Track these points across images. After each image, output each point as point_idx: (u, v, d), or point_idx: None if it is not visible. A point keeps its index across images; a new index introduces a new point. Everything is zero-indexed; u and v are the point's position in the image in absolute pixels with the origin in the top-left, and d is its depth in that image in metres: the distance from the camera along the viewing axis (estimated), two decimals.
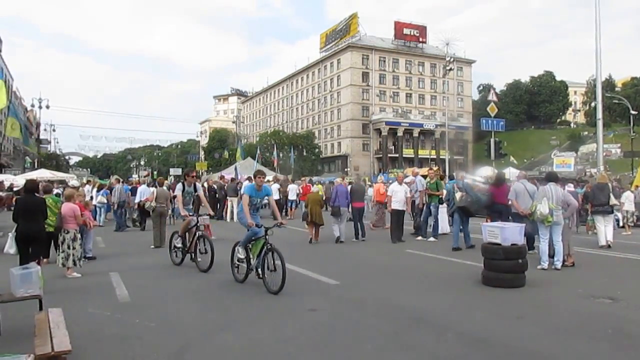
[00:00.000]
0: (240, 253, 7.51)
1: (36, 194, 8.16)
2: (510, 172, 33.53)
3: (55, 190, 13.84)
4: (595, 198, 11.69)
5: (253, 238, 7.38)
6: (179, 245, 9.25)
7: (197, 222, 8.94)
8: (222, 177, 24.03)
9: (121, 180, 20.05)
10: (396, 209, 12.50)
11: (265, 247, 6.99)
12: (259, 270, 7.09)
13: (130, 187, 19.00)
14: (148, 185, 20.04)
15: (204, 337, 5.03)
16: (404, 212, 12.76)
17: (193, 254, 8.90)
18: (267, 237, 7.11)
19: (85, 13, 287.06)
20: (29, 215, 7.41)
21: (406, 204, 12.74)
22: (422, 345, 4.74)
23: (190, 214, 9.19)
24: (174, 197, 9.23)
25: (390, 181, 25.30)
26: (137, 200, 16.70)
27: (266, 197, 8.21)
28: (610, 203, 11.68)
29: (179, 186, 9.39)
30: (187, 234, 9.16)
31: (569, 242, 9.10)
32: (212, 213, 9.79)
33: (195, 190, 9.67)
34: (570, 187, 13.87)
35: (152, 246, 11.94)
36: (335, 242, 12.65)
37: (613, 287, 7.27)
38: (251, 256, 7.28)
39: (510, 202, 10.03)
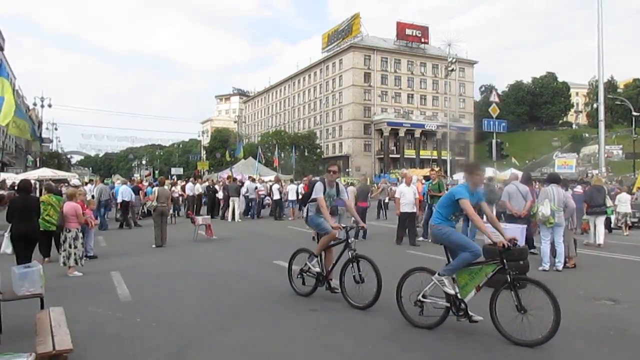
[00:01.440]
0: (447, 286, 5.02)
1: (30, 194, 8.13)
2: (512, 173, 33.49)
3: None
4: (593, 199, 12.09)
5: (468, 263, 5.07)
6: (316, 269, 6.58)
7: (349, 238, 6.31)
8: (229, 177, 24.01)
9: (104, 180, 20.29)
10: (405, 211, 12.21)
11: (510, 278, 4.78)
12: (470, 313, 4.98)
13: (132, 186, 19.17)
14: (150, 185, 20.18)
15: (204, 336, 5.03)
16: (414, 214, 12.52)
17: (331, 282, 6.58)
18: (505, 261, 4.93)
19: (88, 12, 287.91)
20: (24, 215, 7.39)
21: (415, 205, 12.45)
22: (422, 345, 4.73)
23: (344, 225, 6.59)
24: (313, 200, 6.63)
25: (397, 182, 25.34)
26: (118, 200, 17.01)
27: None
28: (607, 204, 12.21)
29: (319, 186, 6.63)
30: (324, 252, 6.68)
31: (570, 243, 9.10)
32: (364, 225, 7.13)
33: (339, 193, 6.85)
34: (578, 189, 14.01)
35: (154, 245, 11.95)
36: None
37: (615, 288, 7.25)
38: (457, 291, 5.04)
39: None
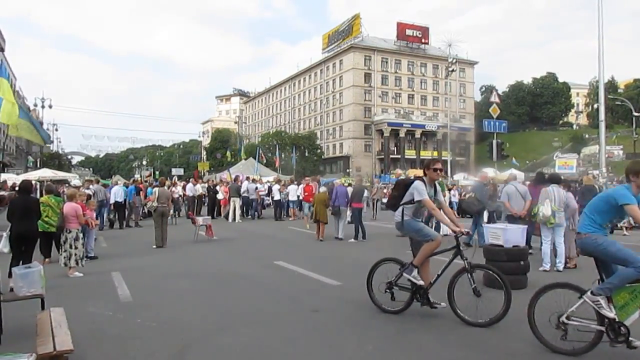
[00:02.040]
0: (605, 308, 4.19)
1: (30, 195, 8.15)
2: (513, 174, 33.47)
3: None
4: (584, 199, 12.26)
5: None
6: (419, 281, 5.64)
7: (459, 244, 5.48)
8: (237, 178, 23.95)
9: (99, 180, 20.47)
10: None
11: None
12: (631, 338, 4.12)
13: (133, 186, 19.25)
14: (150, 185, 20.24)
15: (205, 337, 5.03)
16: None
17: (426, 298, 5.65)
18: None
19: (90, 13, 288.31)
20: (23, 215, 7.44)
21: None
22: (423, 346, 4.73)
23: (464, 229, 5.60)
24: (417, 202, 5.65)
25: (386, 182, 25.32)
26: (111, 201, 17.21)
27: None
28: None
29: (420, 186, 5.66)
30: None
31: (572, 244, 9.10)
32: (466, 231, 5.92)
33: (436, 193, 5.92)
34: None
35: (154, 246, 11.96)
36: (335, 239, 13.22)
37: None
38: (615, 312, 4.19)
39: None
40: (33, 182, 11.03)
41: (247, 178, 23.49)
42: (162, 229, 12.17)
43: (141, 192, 19.26)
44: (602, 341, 4.28)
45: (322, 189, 14.97)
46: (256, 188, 21.42)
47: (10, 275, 6.82)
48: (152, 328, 5.37)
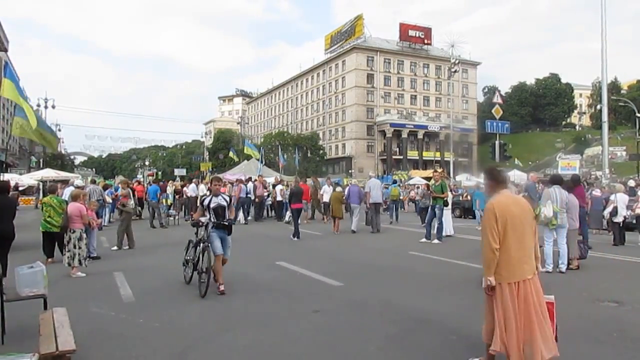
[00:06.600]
0: None
1: (7, 195, 8.14)
2: (515, 175, 33.48)
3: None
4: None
5: None
6: None
7: None
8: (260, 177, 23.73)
9: (96, 180, 20.63)
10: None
11: None
12: None
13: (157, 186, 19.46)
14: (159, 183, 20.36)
15: (207, 337, 5.03)
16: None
17: None
18: None
19: (94, 15, 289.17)
20: (0, 215, 7.46)
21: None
22: (425, 347, 4.72)
23: None
24: None
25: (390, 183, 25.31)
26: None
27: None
28: None
29: None
30: None
31: (574, 244, 9.08)
32: None
33: None
34: (597, 192, 14.12)
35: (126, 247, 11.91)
36: (351, 233, 14.53)
37: (618, 290, 7.22)
38: None
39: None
40: (35, 182, 11.03)
41: (249, 178, 23.43)
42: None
43: (136, 193, 19.45)
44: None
45: (339, 188, 16.33)
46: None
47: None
48: (155, 328, 5.37)
